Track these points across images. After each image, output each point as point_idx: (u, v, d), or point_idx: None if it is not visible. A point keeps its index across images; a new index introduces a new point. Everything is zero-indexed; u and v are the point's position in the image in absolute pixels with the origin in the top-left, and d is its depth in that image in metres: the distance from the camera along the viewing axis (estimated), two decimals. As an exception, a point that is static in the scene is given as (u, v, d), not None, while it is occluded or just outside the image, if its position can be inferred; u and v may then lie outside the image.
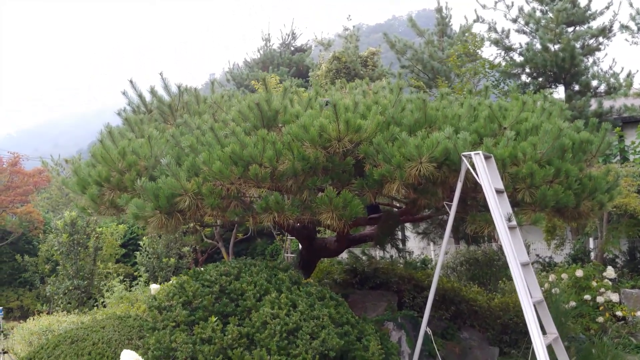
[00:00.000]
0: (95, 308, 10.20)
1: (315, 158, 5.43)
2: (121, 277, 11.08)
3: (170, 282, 9.37)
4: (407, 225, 12.12)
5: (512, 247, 5.28)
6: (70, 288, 10.69)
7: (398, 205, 8.06)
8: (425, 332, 7.34)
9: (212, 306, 4.98)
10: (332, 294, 5.62)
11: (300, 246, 9.41)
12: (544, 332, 5.49)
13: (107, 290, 10.35)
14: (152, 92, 8.04)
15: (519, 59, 14.99)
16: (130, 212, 5.72)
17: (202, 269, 5.77)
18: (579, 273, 9.93)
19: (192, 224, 11.62)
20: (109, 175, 6.22)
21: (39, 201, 19.44)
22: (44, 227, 16.18)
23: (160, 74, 7.80)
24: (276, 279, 5.39)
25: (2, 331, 9.27)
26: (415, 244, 14.70)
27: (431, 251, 15.63)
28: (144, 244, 12.35)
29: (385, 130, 5.63)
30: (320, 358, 4.60)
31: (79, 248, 11.13)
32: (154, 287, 9.33)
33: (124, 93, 8.15)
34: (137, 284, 11.03)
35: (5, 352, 8.46)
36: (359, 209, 5.46)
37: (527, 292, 5.10)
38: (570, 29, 14.53)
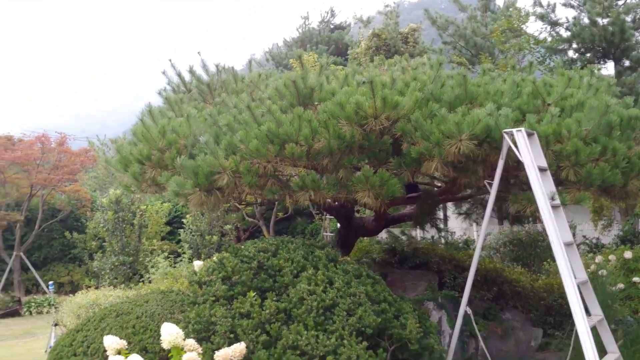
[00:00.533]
0: (141, 284, 10.48)
1: (352, 136, 5.39)
2: (166, 254, 11.33)
3: (212, 258, 9.57)
4: (449, 205, 11.98)
5: (555, 226, 5.13)
6: (117, 264, 11.00)
7: (438, 184, 7.96)
8: (467, 313, 7.28)
9: (251, 282, 5.04)
10: (369, 271, 5.61)
11: (338, 225, 9.42)
12: (588, 313, 5.36)
13: (152, 267, 10.61)
14: (191, 71, 8.12)
15: (565, 34, 14.50)
16: (170, 190, 5.82)
17: (240, 245, 5.85)
18: (628, 255, 9.61)
19: (232, 203, 11.80)
20: (149, 153, 6.34)
21: (86, 180, 20.00)
22: (91, 205, 16.66)
23: (199, 53, 7.86)
24: (313, 256, 5.41)
25: (53, 304, 9.63)
26: (457, 224, 14.54)
27: (474, 232, 15.43)
28: (187, 222, 12.59)
29: (424, 107, 5.53)
30: (357, 335, 4.60)
31: (124, 225, 11.42)
32: (197, 264, 9.50)
33: (163, 73, 8.26)
34: (181, 260, 11.27)
35: (56, 325, 8.81)
36: (396, 188, 5.41)
37: (570, 272, 4.97)
38: (620, 2, 13.94)
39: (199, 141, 5.93)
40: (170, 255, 11.59)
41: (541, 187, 5.25)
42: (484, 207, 9.72)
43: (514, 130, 5.31)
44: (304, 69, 6.55)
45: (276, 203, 14.73)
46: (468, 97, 5.84)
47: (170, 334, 4.16)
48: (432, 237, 10.82)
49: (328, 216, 12.29)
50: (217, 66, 7.86)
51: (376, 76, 5.60)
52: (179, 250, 13.02)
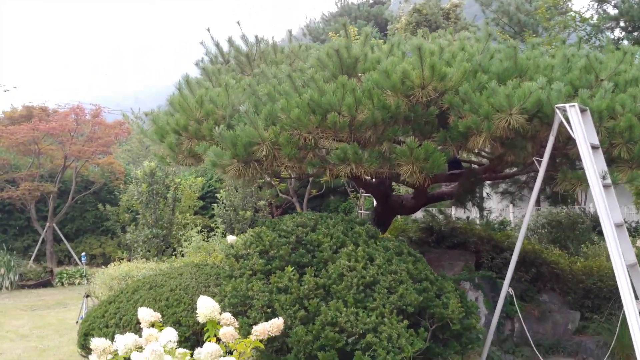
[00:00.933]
0: (174, 257, 10.47)
1: (397, 107, 5.17)
2: (199, 228, 11.30)
3: (247, 233, 9.49)
4: (485, 184, 11.69)
5: (606, 206, 4.88)
6: (150, 237, 11.01)
7: (477, 161, 7.70)
8: (508, 294, 7.07)
9: (289, 256, 4.90)
10: (410, 249, 5.42)
11: (374, 203, 9.22)
12: (636, 297, 5.11)
13: (185, 240, 10.59)
14: (230, 42, 7.95)
15: (613, 11, 13.92)
16: (208, 160, 5.69)
17: (278, 219, 5.71)
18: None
19: (267, 179, 11.70)
20: (187, 123, 6.20)
21: (120, 153, 20.13)
22: (125, 178, 16.74)
23: (238, 22, 7.66)
24: (353, 232, 5.24)
25: (85, 276, 9.68)
26: (493, 205, 14.22)
27: (510, 213, 15.08)
28: (221, 197, 12.54)
29: (472, 79, 5.28)
30: (397, 313, 4.44)
31: (158, 198, 11.40)
32: (231, 238, 9.44)
33: (201, 43, 8.10)
34: (215, 235, 11.23)
35: (87, 296, 8.84)
36: (441, 162, 5.20)
37: (620, 254, 4.73)
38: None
39: (238, 111, 5.79)
40: (203, 230, 11.56)
41: (593, 165, 4.99)
42: (523, 188, 9.45)
43: (567, 105, 5.04)
44: (348, 37, 6.30)
45: (310, 180, 14.59)
46: (518, 70, 5.58)
47: (206, 307, 4.03)
48: (467, 217, 10.56)
49: (363, 194, 12.08)
50: (256, 37, 7.67)
51: (424, 43, 5.36)
52: (212, 225, 13.00)
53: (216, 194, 15.88)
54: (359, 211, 11.71)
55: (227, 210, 12.73)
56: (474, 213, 11.55)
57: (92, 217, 17.00)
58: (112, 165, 16.13)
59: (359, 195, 14.01)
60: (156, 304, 5.48)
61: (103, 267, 11.47)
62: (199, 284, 5.81)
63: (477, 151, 6.30)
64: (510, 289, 5.96)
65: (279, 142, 5.44)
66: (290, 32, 8.52)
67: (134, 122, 16.40)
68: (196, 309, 5.43)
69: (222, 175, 6.04)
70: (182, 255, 10.62)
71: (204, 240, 10.94)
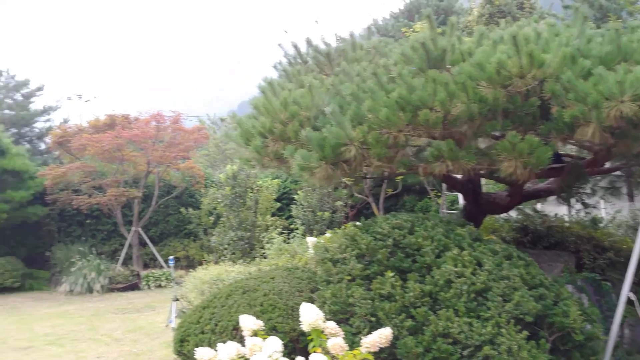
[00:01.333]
0: (257, 259, 10.48)
1: (494, 99, 4.84)
2: (280, 230, 11.28)
3: (326, 234, 9.33)
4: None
5: None
6: (235, 239, 11.08)
7: (576, 155, 7.20)
8: (612, 297, 6.58)
9: (387, 260, 4.69)
10: (519, 252, 5.07)
11: (461, 202, 8.86)
12: None
13: (267, 242, 10.58)
14: (308, 42, 7.81)
15: None
16: (295, 163, 5.56)
17: (371, 220, 5.50)
18: None
19: (348, 179, 11.54)
20: (272, 126, 6.11)
21: (198, 158, 20.50)
22: (205, 182, 17.02)
23: (316, 21, 7.50)
24: (455, 235, 4.96)
25: (174, 279, 9.83)
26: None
27: (602, 209, 14.24)
28: (299, 198, 12.49)
29: (573, 65, 4.88)
30: (515, 323, 4.13)
31: (241, 200, 11.48)
32: (311, 240, 9.32)
33: (279, 45, 8.02)
34: (295, 236, 11.18)
35: (176, 300, 8.95)
36: (546, 156, 4.83)
37: None
38: None
39: (322, 112, 5.64)
40: (283, 231, 11.54)
41: None
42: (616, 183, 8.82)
43: (687, 89, 4.56)
44: (433, 29, 6.02)
45: (386, 180, 14.32)
46: (621, 54, 5.11)
47: (310, 315, 3.90)
48: (556, 214, 9.98)
49: (445, 192, 11.69)
50: (335, 35, 7.50)
51: (518, 31, 5.02)
52: (292, 226, 12.98)
53: (291, 196, 15.88)
54: (442, 210, 11.34)
55: (304, 212, 12.67)
56: (563, 210, 10.93)
57: (175, 221, 17.40)
58: (193, 169, 16.42)
59: (439, 194, 13.63)
60: (251, 309, 5.39)
61: (189, 270, 11.66)
62: (292, 288, 5.69)
63: (582, 143, 5.84)
64: (631, 294, 5.51)
65: (368, 141, 5.24)
66: (369, 28, 8.30)
67: (210, 127, 16.56)
68: (291, 314, 5.36)
69: (310, 178, 5.89)
70: (265, 257, 10.62)
71: (284, 241, 10.91)
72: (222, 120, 28.97)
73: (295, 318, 5.27)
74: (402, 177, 14.05)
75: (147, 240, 16.31)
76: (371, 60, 7.01)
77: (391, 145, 5.30)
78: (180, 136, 15.83)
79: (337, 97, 5.72)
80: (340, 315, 4.43)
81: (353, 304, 4.39)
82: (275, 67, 8.16)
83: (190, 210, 16.41)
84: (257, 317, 5.22)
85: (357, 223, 9.55)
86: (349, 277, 4.66)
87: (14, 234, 16.81)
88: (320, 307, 4.45)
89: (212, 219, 15.31)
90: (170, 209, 17.48)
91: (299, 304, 5.55)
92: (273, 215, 15.22)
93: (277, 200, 15.78)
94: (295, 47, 7.88)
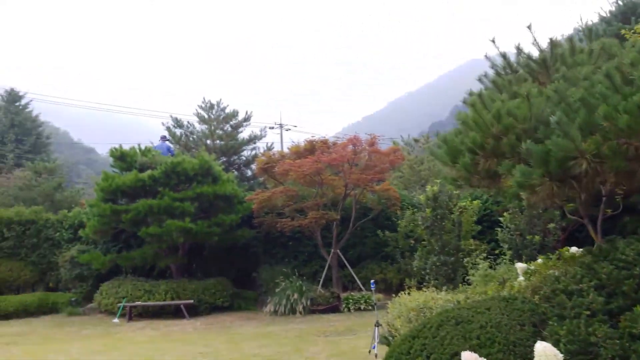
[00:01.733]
0: (460, 285, 9.91)
1: None
2: (484, 254, 10.59)
3: (538, 260, 8.45)
4: None
5: None
6: (438, 264, 10.63)
7: None
8: None
9: (635, 293, 3.94)
10: None
11: None
12: None
13: (471, 268, 9.97)
14: (518, 50, 7.23)
15: None
16: (513, 180, 5.04)
17: (608, 246, 4.74)
18: None
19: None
20: (483, 141, 5.65)
21: (392, 180, 20.41)
22: (401, 204, 16.80)
23: (529, 27, 6.88)
24: None
25: (375, 303, 9.64)
26: None
27: None
28: (504, 220, 11.65)
29: None
30: None
31: (442, 223, 11.00)
32: (520, 266, 8.51)
33: (485, 56, 7.52)
34: (501, 261, 10.40)
35: (379, 325, 8.72)
36: None
37: None
38: None
39: (543, 123, 5.05)
40: (489, 256, 10.82)
41: None
42: None
43: None
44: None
45: (604, 198, 12.79)
46: None
47: (546, 355, 3.36)
48: None
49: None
50: (550, 40, 6.81)
51: None
52: (497, 251, 12.14)
53: (492, 218, 14.92)
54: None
55: (511, 235, 11.74)
56: None
57: (372, 243, 17.37)
58: (388, 191, 16.32)
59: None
60: (466, 343, 4.91)
61: (388, 294, 11.42)
62: (512, 321, 5.09)
63: None
64: None
65: (602, 154, 4.53)
66: (589, 29, 7.43)
67: (404, 149, 16.33)
68: (512, 350, 4.78)
69: (530, 197, 5.30)
70: (468, 284, 10.00)
71: (490, 267, 10.18)
72: (416, 141, 28.79)
73: (518, 355, 4.70)
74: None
75: (346, 263, 16.48)
76: (594, 64, 6.23)
77: (632, 158, 4.55)
78: (376, 158, 15.85)
79: (561, 106, 5.08)
80: (580, 356, 3.79)
81: (596, 344, 3.74)
82: (480, 79, 7.67)
83: (387, 232, 16.25)
84: (474, 352, 4.75)
85: (574, 248, 8.56)
86: (588, 312, 4.00)
87: (224, 256, 18.11)
88: (555, 344, 3.85)
89: (412, 241, 14.97)
90: (367, 231, 17.50)
91: (521, 339, 4.98)
92: (473, 237, 14.47)
93: (477, 222, 14.98)
94: (504, 56, 7.33)
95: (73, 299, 17.54)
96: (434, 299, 7.58)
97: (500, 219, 12.02)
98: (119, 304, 15.75)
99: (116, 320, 15.39)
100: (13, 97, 45.28)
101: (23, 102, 46.09)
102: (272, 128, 39.41)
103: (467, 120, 5.86)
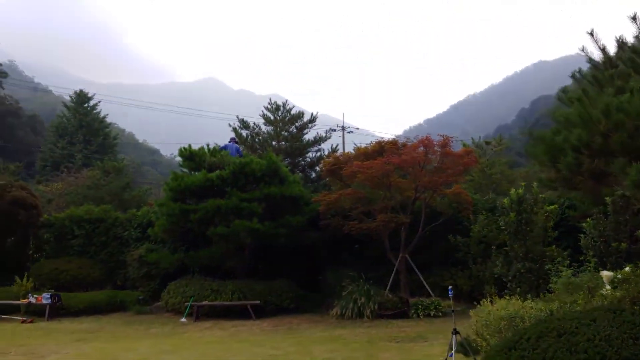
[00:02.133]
0: (541, 294, 9.37)
1: None
2: (568, 261, 9.99)
3: (626, 269, 7.86)
4: None
5: None
6: (522, 271, 10.10)
7: None
8: None
9: None
10: None
11: None
12: None
13: (553, 275, 9.42)
14: (619, 42, 6.72)
15: None
16: (629, 180, 4.60)
17: None
18: None
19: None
20: (589, 139, 5.22)
21: (462, 183, 19.79)
22: (473, 208, 16.21)
23: (634, 17, 6.36)
24: None
25: (453, 310, 9.22)
26: None
27: None
28: (587, 226, 10.98)
29: None
30: None
31: (527, 228, 10.46)
32: (606, 274, 7.93)
33: (582, 50, 7.02)
34: (585, 269, 9.78)
35: (457, 333, 8.31)
36: None
37: None
38: None
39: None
40: (573, 264, 10.19)
41: None
42: None
43: None
44: None
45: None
46: None
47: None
48: None
49: None
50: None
51: None
52: (581, 258, 11.45)
53: (569, 223, 14.17)
54: None
55: (595, 242, 11.05)
56: None
57: (441, 248, 16.80)
58: (460, 195, 15.76)
59: None
60: (572, 357, 4.54)
61: (459, 301, 10.93)
62: (623, 334, 4.67)
63: None
64: None
65: None
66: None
67: (475, 151, 15.77)
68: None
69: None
70: (550, 292, 9.44)
71: (573, 275, 9.58)
72: (487, 143, 27.91)
73: (634, 372, 4.28)
74: None
75: (414, 267, 16.05)
76: None
77: None
78: (449, 160, 15.35)
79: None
80: None
81: None
82: (573, 76, 7.20)
83: (458, 237, 15.72)
84: (583, 366, 4.37)
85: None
86: None
87: (289, 257, 17.93)
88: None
89: (493, 247, 14.34)
90: (436, 235, 16.93)
91: (636, 355, 4.53)
92: (549, 244, 13.80)
93: (554, 228, 14.28)
94: (603, 50, 6.83)
95: (140, 297, 17.84)
96: (526, 309, 7.12)
97: (583, 224, 11.34)
98: (186, 303, 15.87)
99: (183, 319, 15.52)
100: (82, 98, 47.02)
101: (91, 103, 47.75)
102: (335, 130, 39.27)
103: (570, 117, 5.42)
